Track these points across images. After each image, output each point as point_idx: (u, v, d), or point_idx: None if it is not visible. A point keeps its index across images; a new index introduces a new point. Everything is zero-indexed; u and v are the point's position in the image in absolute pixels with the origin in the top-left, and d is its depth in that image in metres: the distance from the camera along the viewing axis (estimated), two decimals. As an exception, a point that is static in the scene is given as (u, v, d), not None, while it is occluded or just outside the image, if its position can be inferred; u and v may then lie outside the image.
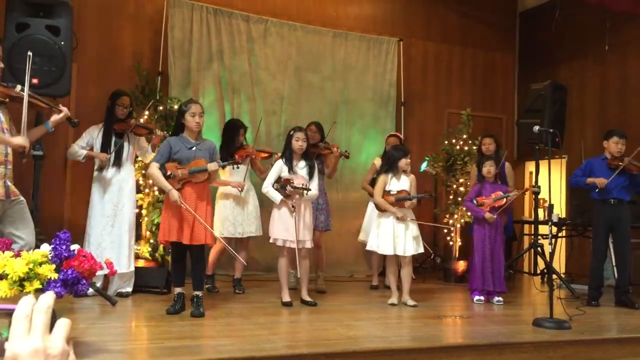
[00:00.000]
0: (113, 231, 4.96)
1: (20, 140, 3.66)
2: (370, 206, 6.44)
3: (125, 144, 5.08)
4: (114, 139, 5.04)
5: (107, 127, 5.06)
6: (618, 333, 4.36)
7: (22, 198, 3.80)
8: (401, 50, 8.14)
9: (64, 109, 3.97)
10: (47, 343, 0.82)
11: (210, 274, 5.67)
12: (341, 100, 7.70)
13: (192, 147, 4.42)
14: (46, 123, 3.95)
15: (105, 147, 5.01)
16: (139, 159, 5.49)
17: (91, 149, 5.06)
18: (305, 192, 4.86)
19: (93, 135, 5.07)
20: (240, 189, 5.47)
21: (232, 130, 5.66)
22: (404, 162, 5.20)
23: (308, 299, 4.95)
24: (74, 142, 5.25)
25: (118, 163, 5.02)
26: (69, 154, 5.10)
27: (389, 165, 5.28)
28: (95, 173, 5.05)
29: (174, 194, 4.26)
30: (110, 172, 4.99)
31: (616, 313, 5.23)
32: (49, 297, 0.85)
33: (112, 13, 6.82)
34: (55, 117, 3.93)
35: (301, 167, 5.00)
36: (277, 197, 4.86)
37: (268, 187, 4.92)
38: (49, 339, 0.83)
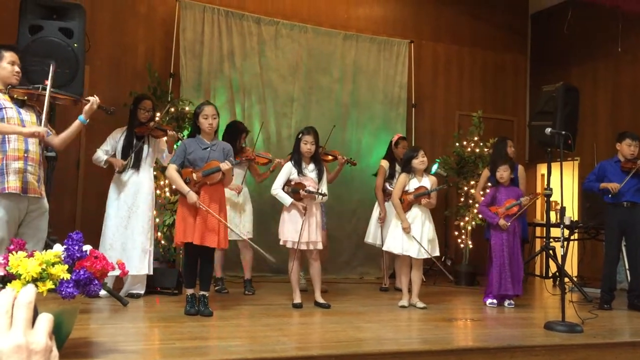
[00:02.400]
0: (126, 233, 4.97)
1: (32, 128, 3.65)
2: (376, 209, 6.45)
3: (145, 147, 5.12)
4: (134, 141, 5.08)
5: (129, 130, 5.12)
6: (631, 337, 4.32)
7: (45, 205, 3.82)
8: (412, 52, 8.13)
9: (92, 98, 4.00)
10: (29, 338, 0.79)
11: (220, 276, 5.68)
12: (351, 102, 7.70)
13: (207, 147, 4.46)
14: (80, 117, 3.97)
15: (126, 150, 5.05)
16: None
17: (115, 152, 5.10)
18: (320, 196, 4.88)
19: (116, 139, 5.12)
20: (238, 192, 5.51)
21: (235, 133, 5.67)
22: (416, 162, 5.19)
23: (322, 301, 4.95)
24: (86, 142, 5.30)
25: (137, 165, 5.06)
26: (94, 159, 5.16)
27: (405, 165, 5.29)
28: (115, 175, 5.10)
29: (193, 196, 4.28)
30: (128, 174, 5.04)
31: (629, 317, 5.19)
32: (30, 290, 0.82)
33: (124, 15, 6.87)
34: (86, 108, 3.96)
35: (310, 170, 5.00)
36: (287, 199, 4.87)
37: (278, 190, 4.92)
38: (32, 334, 0.80)
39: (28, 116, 3.77)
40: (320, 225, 5.07)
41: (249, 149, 5.76)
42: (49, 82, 3.81)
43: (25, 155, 3.66)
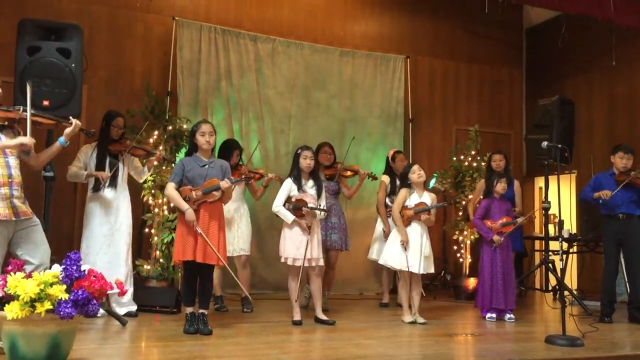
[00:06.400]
0: (110, 251, 4.96)
1: (18, 138, 3.63)
2: (380, 224, 6.42)
3: (120, 165, 5.11)
4: (108, 159, 5.06)
5: (101, 147, 5.08)
6: (632, 350, 4.30)
7: (35, 219, 3.78)
8: (408, 68, 8.18)
9: (74, 121, 3.97)
10: None
11: (219, 295, 5.65)
12: (349, 118, 7.73)
13: (205, 165, 4.47)
14: (60, 139, 3.95)
15: (100, 168, 5.02)
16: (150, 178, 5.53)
17: (86, 168, 5.08)
18: (322, 212, 4.89)
19: (87, 155, 5.10)
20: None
21: (227, 150, 5.67)
22: (413, 177, 5.19)
23: (324, 317, 4.94)
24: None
25: (114, 183, 5.04)
26: (69, 176, 5.09)
27: (403, 180, 5.30)
28: (90, 193, 5.05)
29: (191, 214, 4.29)
30: (106, 192, 5.00)
31: (629, 329, 5.17)
32: None
33: (121, 35, 6.92)
34: (67, 130, 3.93)
35: (310, 186, 5.01)
36: (289, 216, 4.87)
37: (279, 207, 4.92)
38: None
39: (5, 139, 3.74)
40: (321, 241, 5.07)
41: (242, 166, 5.75)
42: (28, 103, 3.75)
43: (10, 180, 3.63)
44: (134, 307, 5.04)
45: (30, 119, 3.72)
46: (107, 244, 4.97)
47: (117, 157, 5.09)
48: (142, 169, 5.31)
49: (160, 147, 5.76)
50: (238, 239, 5.58)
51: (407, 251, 5.05)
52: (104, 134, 5.11)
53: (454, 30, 8.72)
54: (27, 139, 3.63)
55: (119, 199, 5.07)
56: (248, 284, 5.71)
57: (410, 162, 6.64)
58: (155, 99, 6.19)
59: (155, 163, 5.35)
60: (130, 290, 5.04)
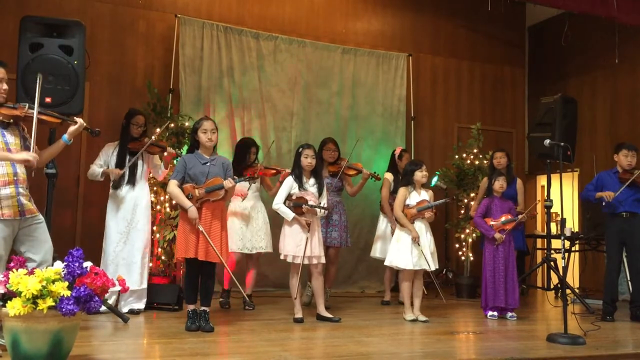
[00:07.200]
0: (125, 248, 4.99)
1: (23, 154, 3.62)
2: (383, 222, 6.42)
3: (140, 162, 5.13)
4: (128, 157, 5.09)
5: (122, 145, 5.12)
6: (634, 348, 4.29)
7: (39, 217, 3.78)
8: (410, 65, 8.17)
9: (79, 120, 3.97)
10: None
11: (227, 289, 5.66)
12: (351, 116, 7.73)
13: (206, 162, 4.47)
14: (63, 136, 3.93)
15: (119, 166, 5.06)
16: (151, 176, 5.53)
17: (108, 167, 5.11)
18: (323, 210, 4.89)
19: (109, 154, 5.13)
20: (242, 197, 5.51)
21: (244, 149, 5.72)
22: (419, 175, 5.20)
23: (328, 315, 4.95)
24: (86, 158, 5.29)
25: (132, 181, 5.06)
26: (89, 174, 5.15)
27: (405, 178, 5.30)
28: (111, 191, 5.10)
29: (193, 212, 4.30)
30: (124, 190, 5.04)
31: (631, 328, 5.16)
32: None
33: (124, 32, 6.91)
34: (71, 129, 3.92)
35: (311, 184, 5.01)
36: (289, 214, 4.87)
37: (279, 204, 4.92)
38: None
39: (12, 138, 3.72)
40: (321, 239, 5.07)
41: (259, 165, 5.74)
42: (36, 102, 3.73)
43: (15, 178, 3.63)
44: (141, 305, 5.04)
45: (37, 117, 3.70)
46: (123, 241, 4.99)
47: (136, 154, 5.10)
48: (160, 165, 5.32)
49: (163, 145, 5.77)
50: (256, 236, 5.58)
51: (420, 246, 5.05)
52: (125, 132, 5.14)
53: (456, 28, 8.72)
54: (32, 156, 3.60)
55: (138, 196, 5.08)
56: (254, 283, 5.73)
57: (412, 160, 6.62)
58: (157, 96, 6.20)
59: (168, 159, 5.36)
60: (144, 287, 5.05)
